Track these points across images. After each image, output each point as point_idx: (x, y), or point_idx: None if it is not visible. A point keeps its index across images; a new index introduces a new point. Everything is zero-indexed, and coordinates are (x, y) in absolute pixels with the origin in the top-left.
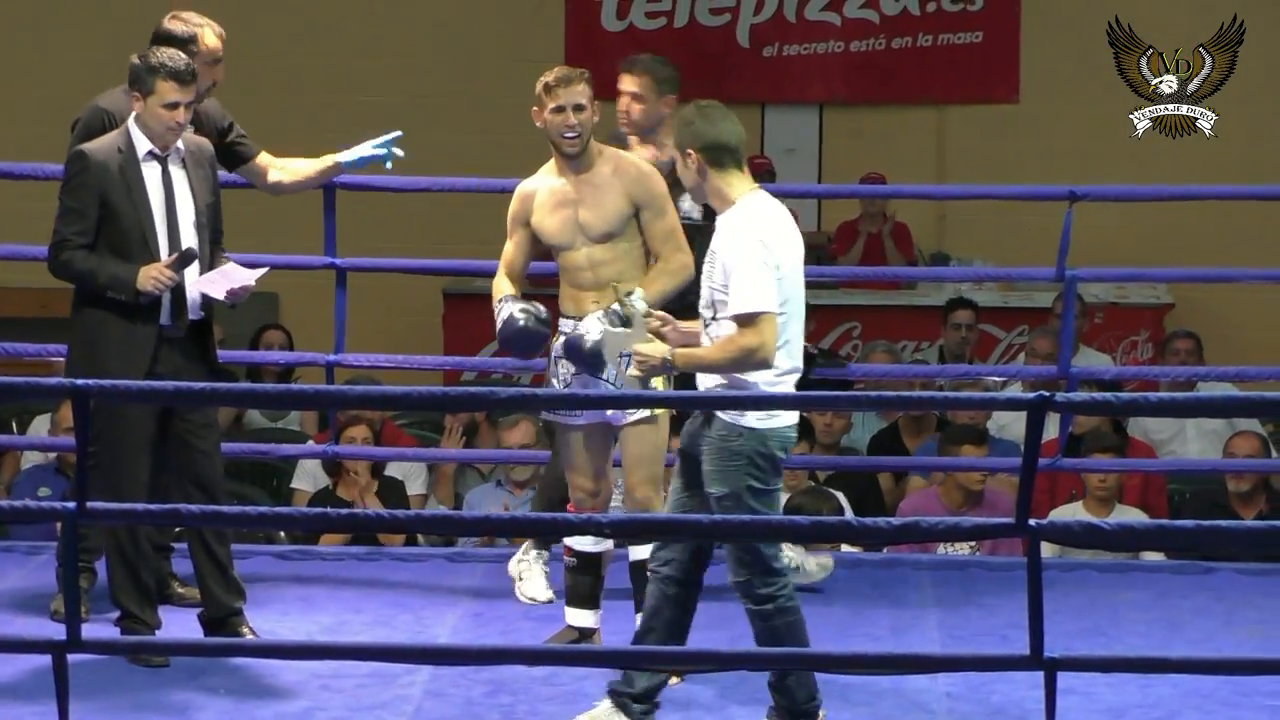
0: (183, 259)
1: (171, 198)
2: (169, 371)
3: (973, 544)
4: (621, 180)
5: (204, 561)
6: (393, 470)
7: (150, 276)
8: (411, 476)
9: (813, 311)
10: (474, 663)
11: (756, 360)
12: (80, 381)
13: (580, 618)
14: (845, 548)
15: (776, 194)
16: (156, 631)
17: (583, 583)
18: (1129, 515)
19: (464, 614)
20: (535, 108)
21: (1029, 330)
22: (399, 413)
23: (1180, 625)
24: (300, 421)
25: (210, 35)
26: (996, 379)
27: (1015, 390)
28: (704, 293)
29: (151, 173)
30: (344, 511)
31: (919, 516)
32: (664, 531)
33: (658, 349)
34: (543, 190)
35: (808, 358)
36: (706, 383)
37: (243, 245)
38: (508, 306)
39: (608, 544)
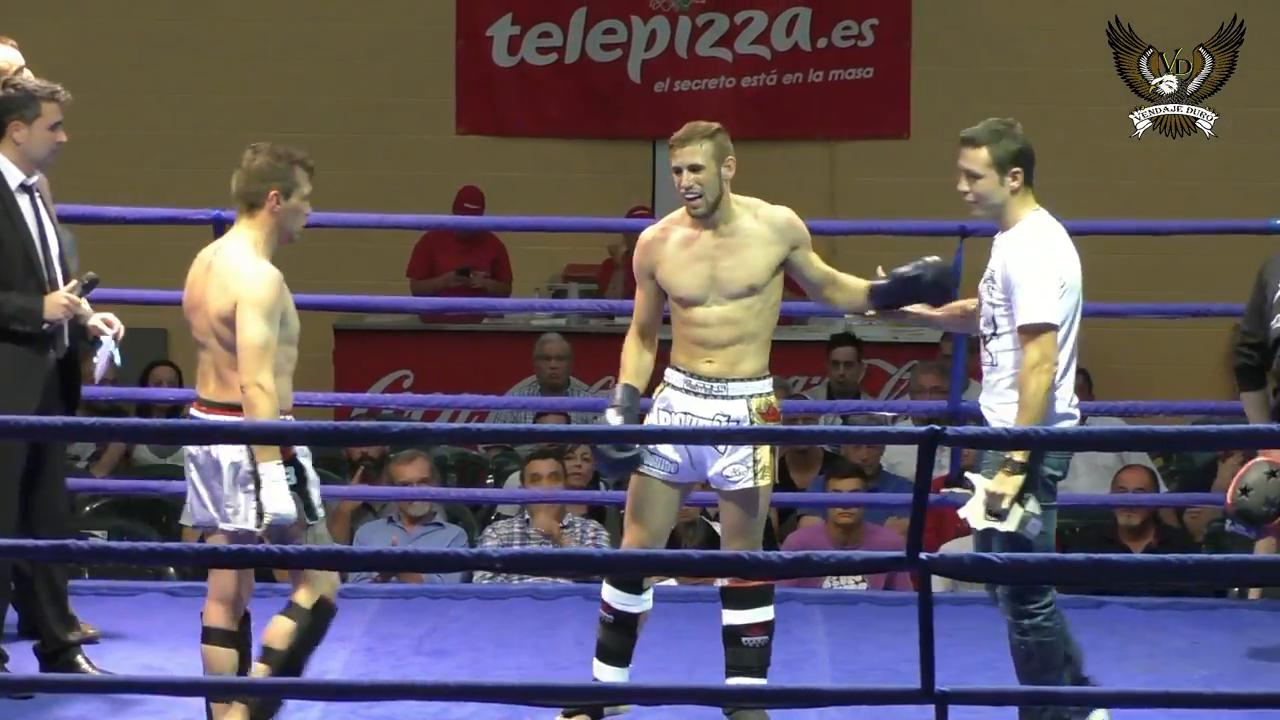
0: (85, 285)
1: (43, 227)
2: (43, 403)
3: (859, 578)
4: (770, 228)
5: (45, 593)
6: None
7: (59, 304)
8: None
9: None
10: (366, 698)
11: (1046, 373)
12: None
13: (609, 674)
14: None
15: None
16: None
17: (615, 639)
18: None
19: (356, 649)
20: None
21: (919, 365)
22: None
23: None
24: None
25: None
26: (889, 414)
27: (907, 426)
28: (983, 310)
29: (25, 203)
30: (234, 548)
31: (809, 550)
32: (557, 567)
33: (1008, 482)
34: (673, 241)
35: None
36: (998, 414)
37: (132, 281)
38: (607, 417)
39: (646, 604)
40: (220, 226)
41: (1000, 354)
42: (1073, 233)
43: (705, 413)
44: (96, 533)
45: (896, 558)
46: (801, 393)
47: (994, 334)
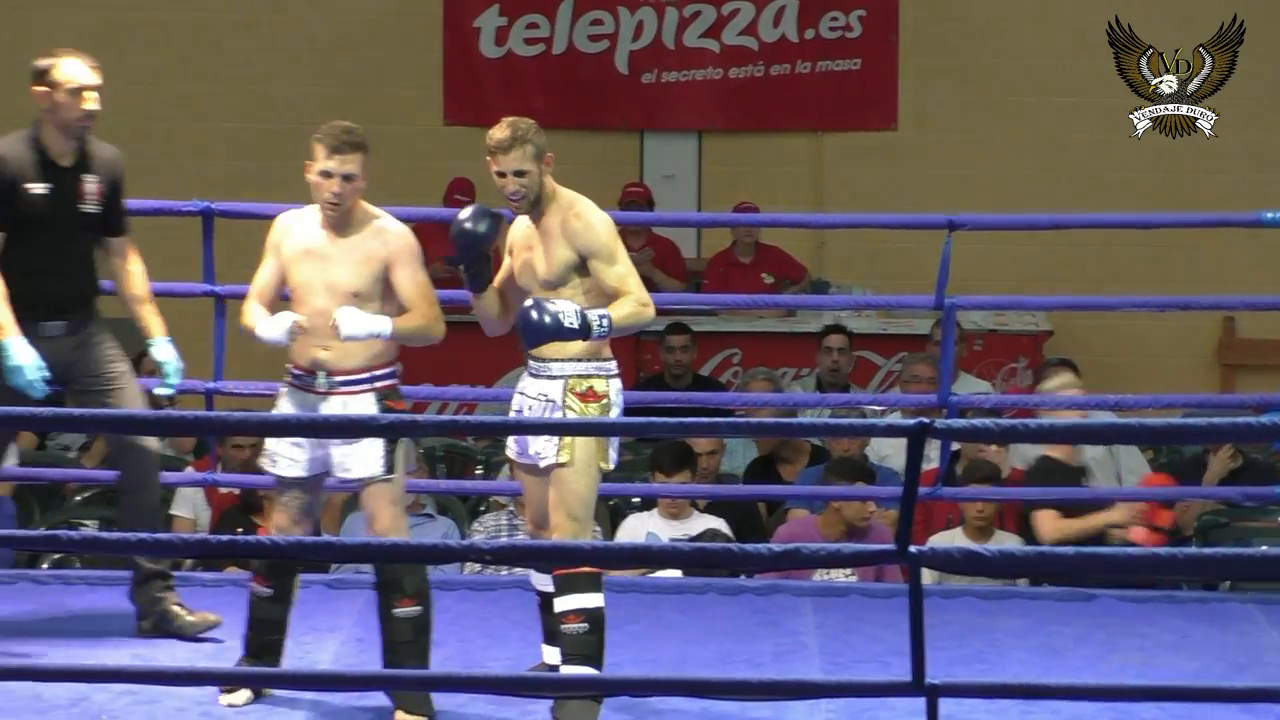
0: None
1: None
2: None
3: (849, 571)
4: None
5: None
6: None
7: None
8: None
9: (693, 339)
10: (356, 689)
11: None
12: None
13: (551, 654)
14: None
15: (654, 223)
16: None
17: (552, 620)
18: (1008, 542)
19: (346, 640)
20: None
21: (908, 357)
22: None
23: (1061, 652)
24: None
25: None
26: (877, 407)
27: (896, 418)
28: None
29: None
30: (224, 539)
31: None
32: (546, 558)
33: None
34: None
35: None
36: None
37: None
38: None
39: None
40: (210, 218)
41: None
42: (1059, 225)
43: (532, 392)
44: (87, 523)
45: (887, 550)
46: (791, 384)
47: None
